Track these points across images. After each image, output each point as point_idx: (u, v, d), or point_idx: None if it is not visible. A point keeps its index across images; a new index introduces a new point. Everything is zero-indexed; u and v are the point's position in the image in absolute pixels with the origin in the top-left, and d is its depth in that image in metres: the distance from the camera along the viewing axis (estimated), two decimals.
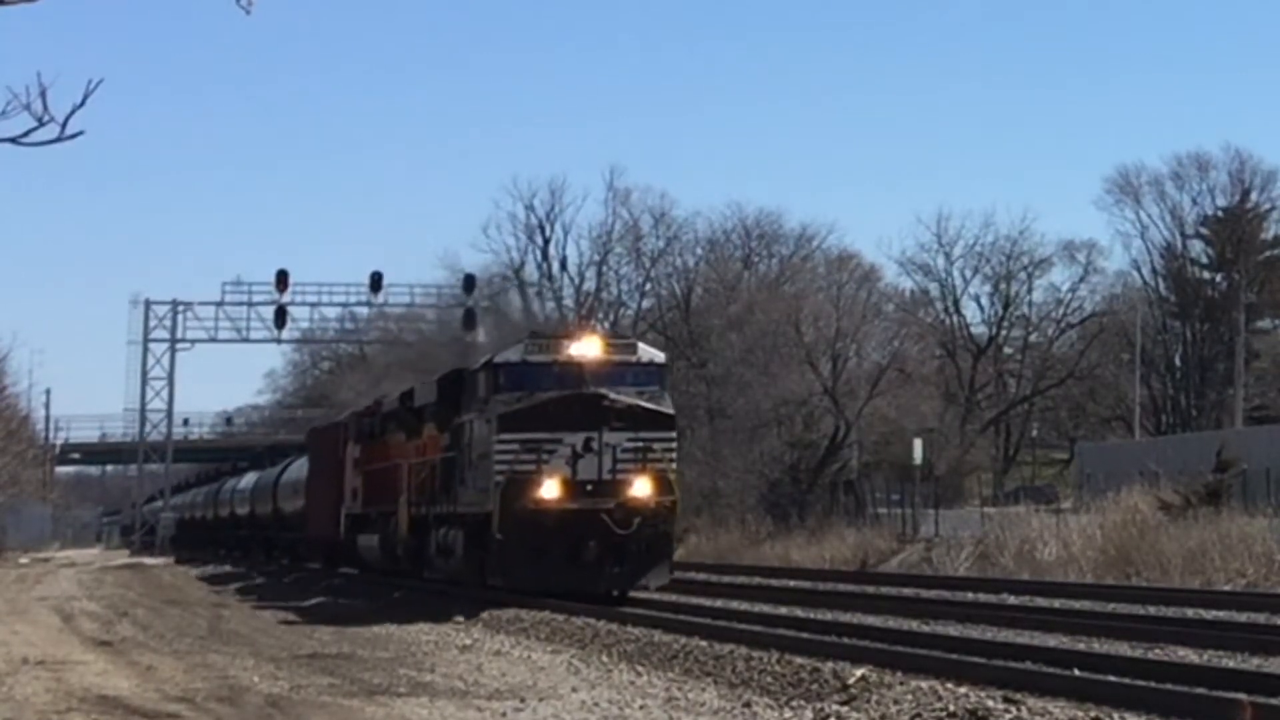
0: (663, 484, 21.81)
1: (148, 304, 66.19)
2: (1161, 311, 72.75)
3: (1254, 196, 71.60)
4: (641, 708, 10.97)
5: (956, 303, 74.46)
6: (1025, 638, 15.38)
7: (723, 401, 50.78)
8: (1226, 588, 22.47)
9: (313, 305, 65.30)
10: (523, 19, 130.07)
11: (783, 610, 19.97)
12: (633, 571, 21.92)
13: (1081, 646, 14.20)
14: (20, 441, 63.54)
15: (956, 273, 73.75)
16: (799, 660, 12.60)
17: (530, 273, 66.22)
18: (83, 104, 5.93)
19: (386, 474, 29.30)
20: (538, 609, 19.37)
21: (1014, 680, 11.08)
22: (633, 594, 21.99)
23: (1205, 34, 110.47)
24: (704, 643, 14.51)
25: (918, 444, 40.74)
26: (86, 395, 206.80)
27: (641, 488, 21.55)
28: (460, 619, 19.91)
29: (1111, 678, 11.20)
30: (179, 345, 66.73)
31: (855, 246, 69.67)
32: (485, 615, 20.01)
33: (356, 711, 11.14)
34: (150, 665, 14.63)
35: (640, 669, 13.57)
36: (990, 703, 9.85)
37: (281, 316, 63.74)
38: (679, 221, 66.67)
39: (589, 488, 21.38)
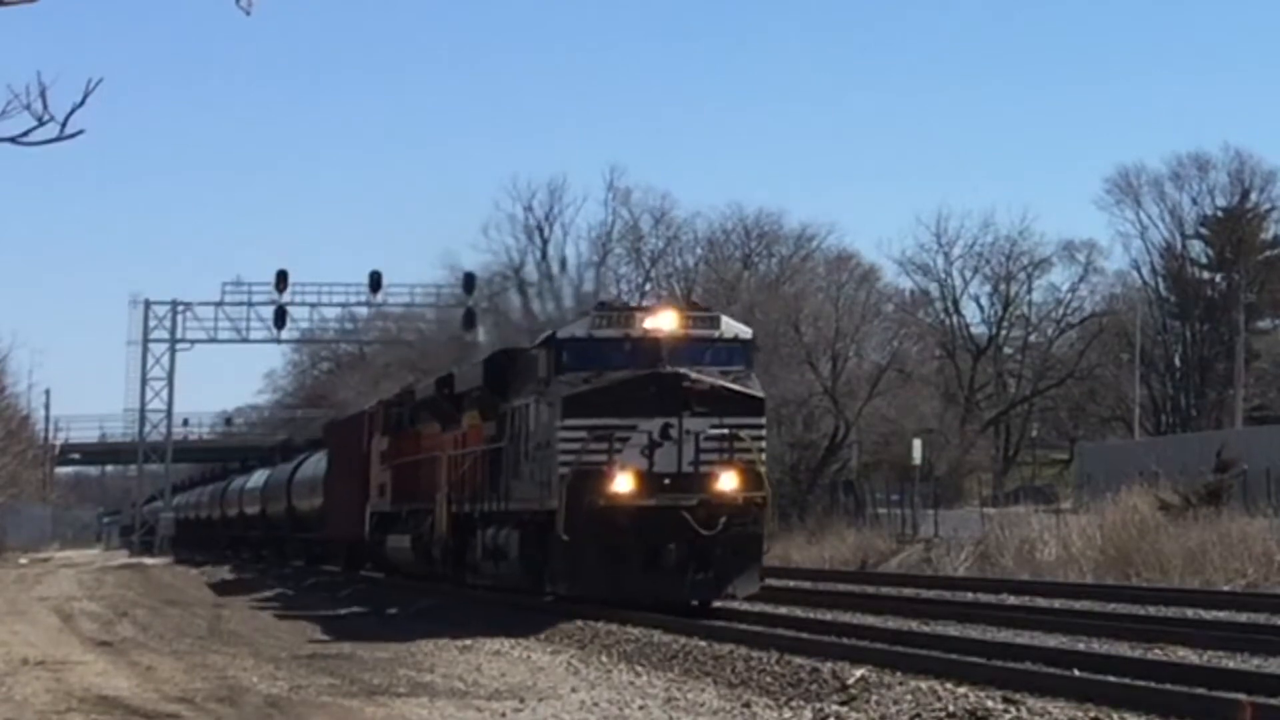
0: (752, 478, 19.21)
1: (147, 304, 66.32)
2: (1161, 311, 72.79)
3: (1254, 196, 71.68)
4: (641, 708, 10.97)
5: (956, 303, 74.48)
6: (1025, 638, 15.39)
7: None
8: (1226, 588, 22.49)
9: (312, 305, 65.33)
10: (522, 19, 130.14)
11: (782, 610, 19.96)
12: (718, 578, 19.21)
13: (1081, 646, 14.21)
14: (20, 442, 63.63)
15: (956, 273, 73.79)
16: (798, 660, 12.60)
17: (530, 273, 66.35)
18: (82, 103, 5.93)
19: (420, 468, 27.05)
20: (616, 622, 17.17)
21: (1013, 680, 11.08)
22: (717, 604, 19.56)
23: (1205, 34, 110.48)
24: (703, 643, 14.51)
25: (917, 444, 40.80)
26: (86, 395, 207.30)
27: (728, 482, 18.99)
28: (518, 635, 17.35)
29: (1111, 678, 11.20)
30: (179, 345, 66.83)
31: (855, 246, 69.69)
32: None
33: (356, 712, 11.15)
34: (150, 665, 14.64)
35: (639, 669, 13.57)
36: (990, 703, 9.85)
37: (281, 316, 63.81)
38: (679, 222, 66.83)
39: (667, 481, 18.82)
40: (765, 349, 49.65)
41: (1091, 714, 9.47)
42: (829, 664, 12.19)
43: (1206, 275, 74.22)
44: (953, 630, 16.59)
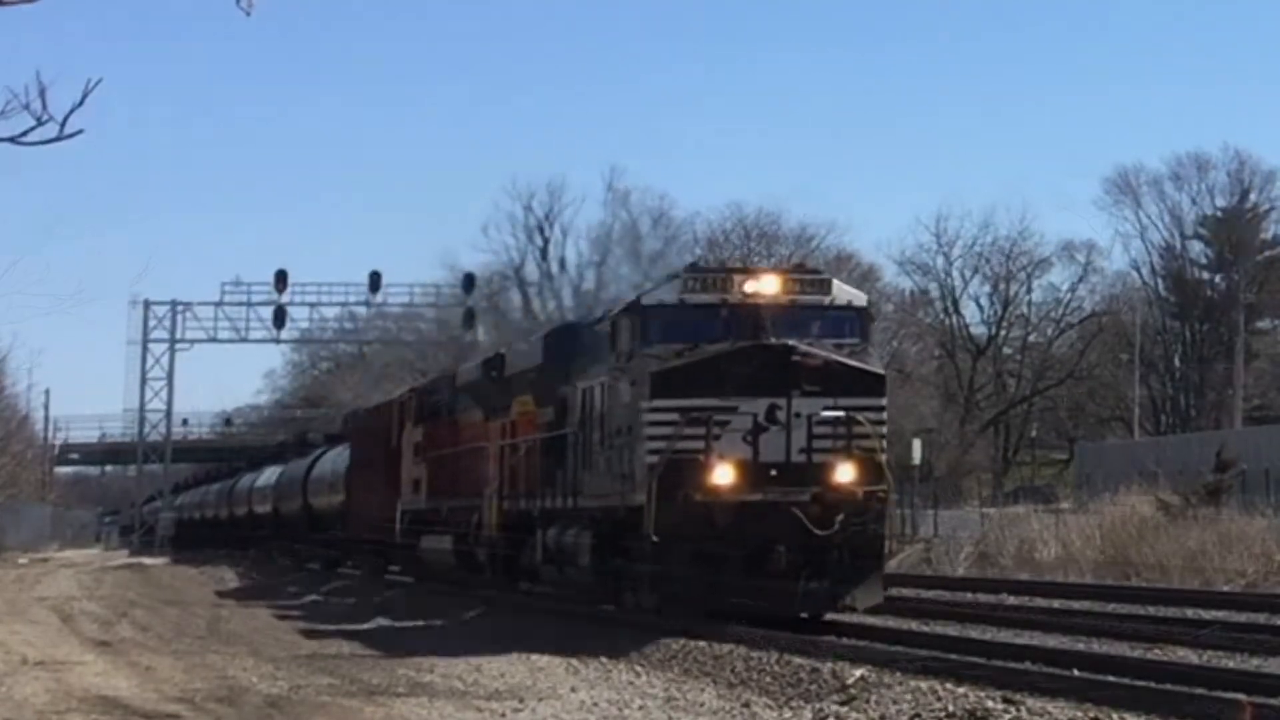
0: (872, 469, 16.60)
1: (147, 304, 66.31)
2: (1161, 311, 72.92)
3: (1253, 197, 71.89)
4: (640, 708, 10.98)
5: (955, 303, 74.64)
6: (1025, 638, 15.37)
7: None
8: (1226, 588, 22.52)
9: (312, 305, 65.57)
10: (523, 19, 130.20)
11: None
12: (834, 587, 16.53)
13: (1081, 647, 14.21)
14: (19, 442, 63.59)
15: (956, 273, 73.99)
16: (798, 660, 12.60)
17: (530, 272, 66.40)
18: (81, 103, 5.94)
19: (463, 460, 24.23)
20: (717, 640, 14.54)
21: (1013, 680, 11.10)
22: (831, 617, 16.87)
23: (1205, 35, 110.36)
24: (703, 643, 14.49)
25: (917, 444, 40.81)
26: (86, 395, 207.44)
27: (845, 473, 16.32)
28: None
29: (1111, 678, 11.22)
30: (178, 345, 67.00)
31: (854, 246, 69.92)
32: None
33: (355, 712, 11.14)
34: (149, 665, 14.64)
35: (639, 669, 13.57)
36: (990, 703, 9.86)
37: (280, 316, 63.96)
38: (678, 221, 66.82)
39: (775, 473, 16.23)
40: None
41: (1091, 714, 9.48)
42: (828, 664, 12.20)
43: (1206, 275, 74.39)
44: (952, 630, 16.57)
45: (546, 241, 66.84)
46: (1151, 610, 18.72)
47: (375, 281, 63.57)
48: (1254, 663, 12.84)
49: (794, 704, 10.83)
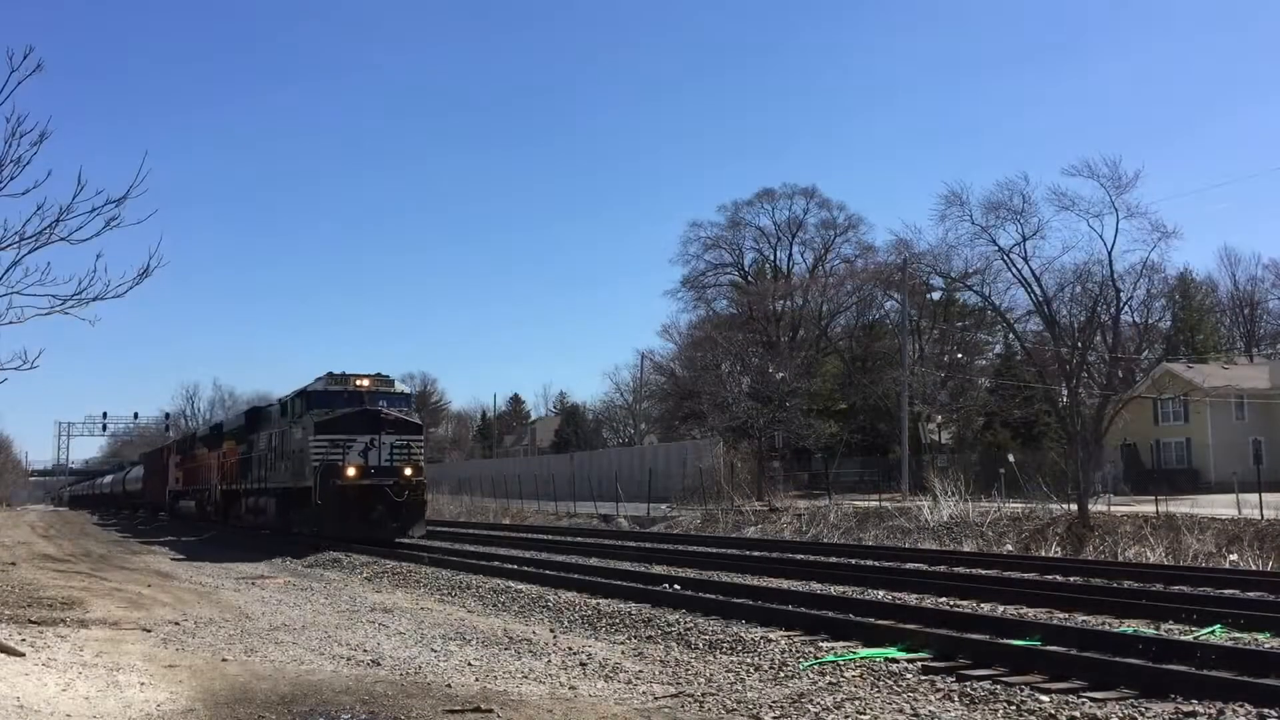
0: (419, 469, 32.38)
1: None
2: None
3: None
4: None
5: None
6: None
7: None
8: None
9: None
10: None
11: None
12: (404, 526, 32.50)
13: None
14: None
15: None
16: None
17: None
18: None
19: (199, 469, 49.55)
20: (349, 553, 39.45)
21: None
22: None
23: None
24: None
25: None
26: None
27: (408, 471, 33.03)
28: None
29: None
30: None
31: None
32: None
33: (133, 556, 33.13)
34: (61, 543, 37.44)
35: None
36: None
37: None
38: None
39: (373, 470, 32.23)
40: None
41: None
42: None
43: None
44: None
45: None
46: None
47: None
48: None
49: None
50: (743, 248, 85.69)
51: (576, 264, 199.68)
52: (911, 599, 18.17)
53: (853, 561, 25.94)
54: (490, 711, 9.63)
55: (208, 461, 45.81)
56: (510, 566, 24.31)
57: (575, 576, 21.01)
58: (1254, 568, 26.23)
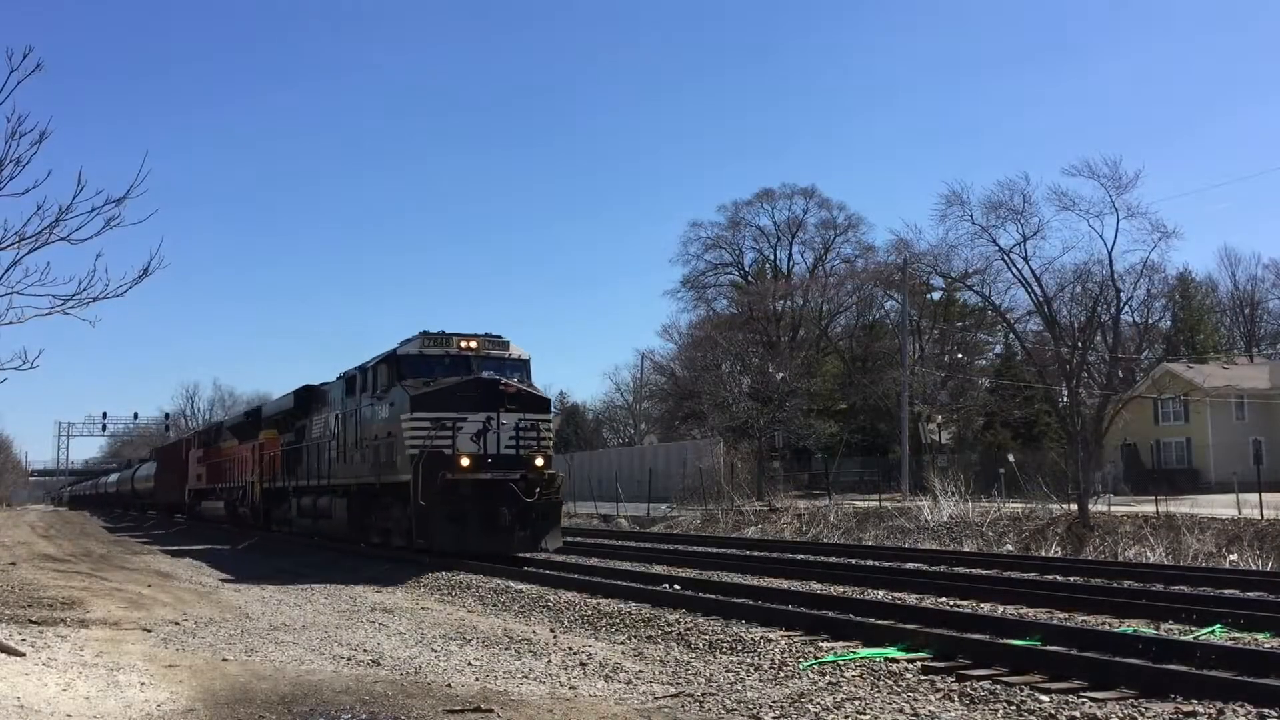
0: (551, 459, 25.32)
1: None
2: None
3: None
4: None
5: None
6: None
7: None
8: None
9: None
10: None
11: None
12: (535, 536, 24.40)
13: None
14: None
15: None
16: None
17: None
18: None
19: (225, 463, 49.60)
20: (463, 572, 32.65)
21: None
22: None
23: None
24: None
25: None
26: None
27: (540, 461, 24.58)
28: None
29: None
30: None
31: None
32: None
33: (134, 557, 33.15)
34: (61, 543, 37.41)
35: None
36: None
37: None
38: None
39: (490, 460, 24.18)
40: None
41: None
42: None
43: None
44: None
45: None
46: None
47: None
48: None
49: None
50: (743, 248, 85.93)
51: (576, 264, 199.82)
52: (911, 599, 18.17)
53: (853, 561, 25.99)
54: (490, 711, 9.64)
55: (240, 455, 39.89)
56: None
57: (575, 576, 20.98)
58: (1254, 568, 26.27)
